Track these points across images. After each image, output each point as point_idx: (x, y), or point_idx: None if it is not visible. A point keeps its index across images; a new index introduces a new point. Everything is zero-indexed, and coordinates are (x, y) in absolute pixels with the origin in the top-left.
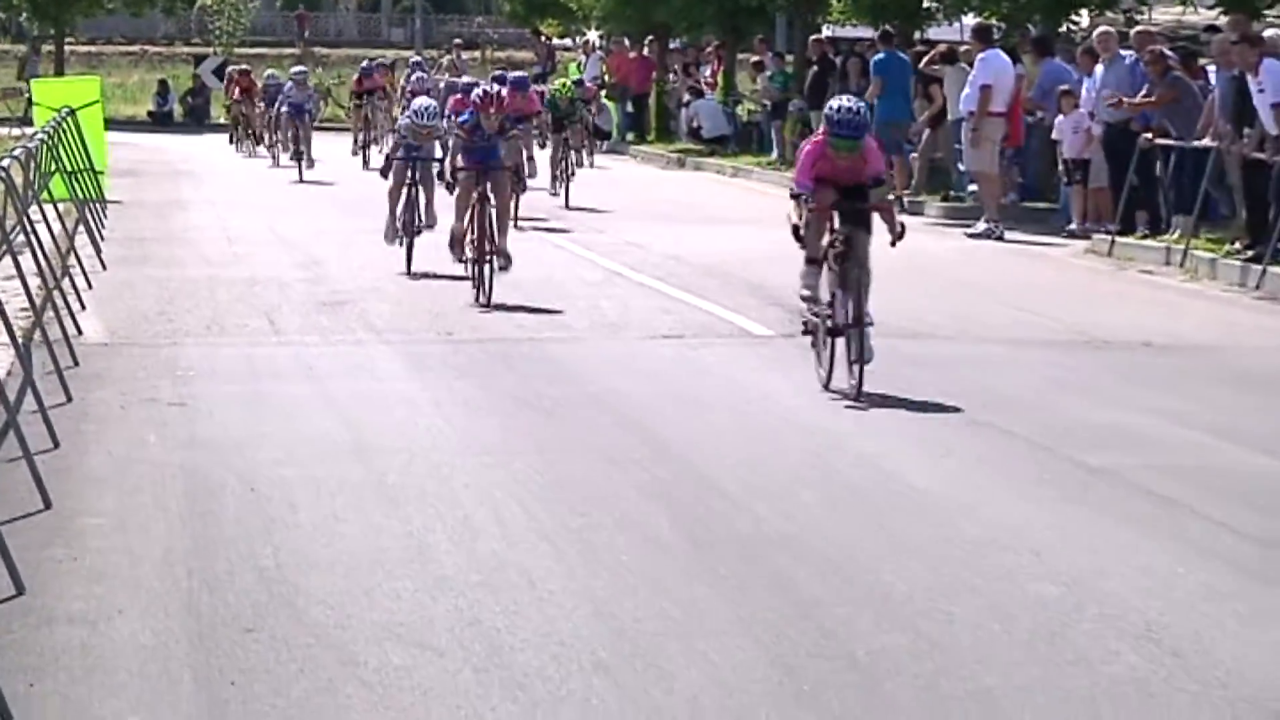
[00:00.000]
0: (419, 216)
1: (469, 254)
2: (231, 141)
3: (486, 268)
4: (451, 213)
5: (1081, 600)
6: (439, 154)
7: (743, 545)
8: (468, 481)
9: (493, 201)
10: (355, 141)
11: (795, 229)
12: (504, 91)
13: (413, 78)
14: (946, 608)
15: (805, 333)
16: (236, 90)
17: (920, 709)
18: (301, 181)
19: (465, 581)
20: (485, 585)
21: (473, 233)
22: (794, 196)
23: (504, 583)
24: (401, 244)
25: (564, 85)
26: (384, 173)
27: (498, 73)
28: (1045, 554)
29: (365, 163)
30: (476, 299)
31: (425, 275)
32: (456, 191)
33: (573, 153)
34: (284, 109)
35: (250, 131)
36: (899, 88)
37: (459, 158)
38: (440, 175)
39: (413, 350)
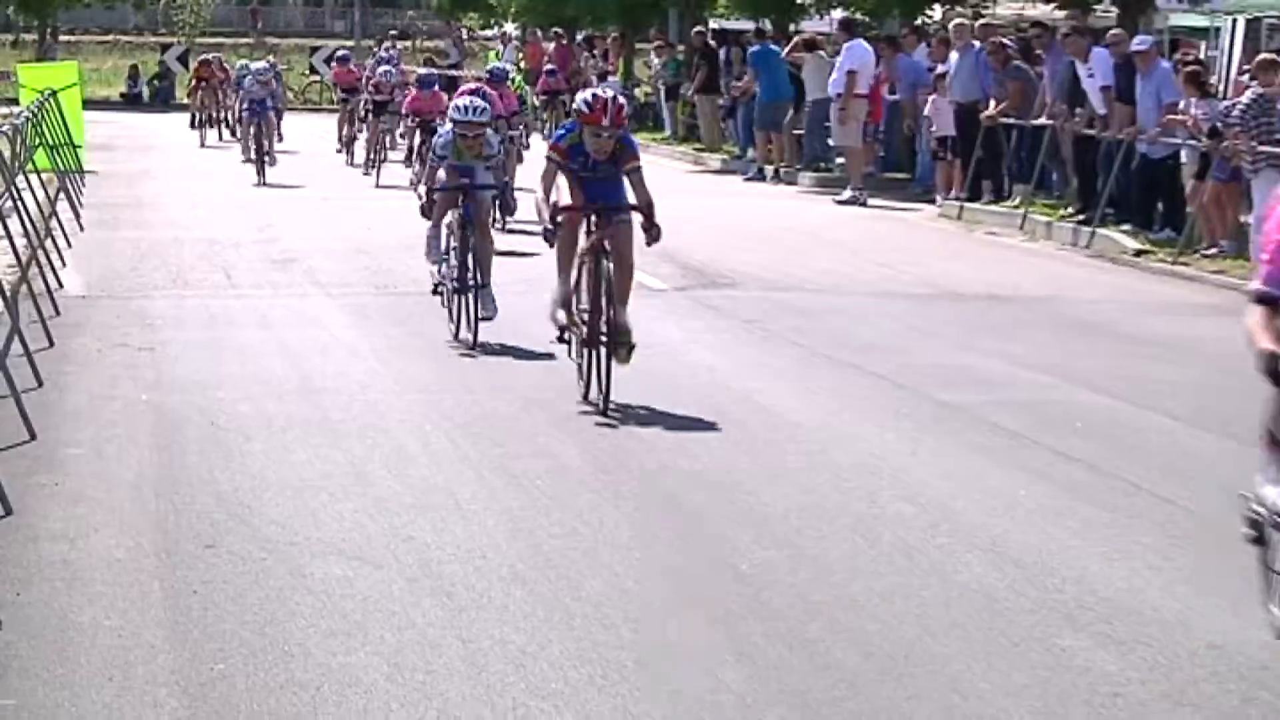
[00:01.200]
0: (475, 273)
1: (573, 333)
2: (193, 126)
3: (600, 353)
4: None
5: (935, 519)
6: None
7: (642, 472)
8: (402, 417)
9: (611, 254)
10: (339, 140)
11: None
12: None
13: (379, 70)
14: (818, 526)
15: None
16: (196, 79)
17: (794, 613)
18: (263, 184)
19: (399, 503)
20: (416, 506)
21: (580, 300)
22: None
23: (433, 504)
24: (462, 324)
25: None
26: (425, 211)
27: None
28: (904, 478)
29: (364, 166)
30: (585, 395)
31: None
32: (555, 241)
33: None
34: (244, 107)
35: (210, 117)
36: (777, 74)
37: (555, 193)
38: (508, 208)
39: (353, 302)
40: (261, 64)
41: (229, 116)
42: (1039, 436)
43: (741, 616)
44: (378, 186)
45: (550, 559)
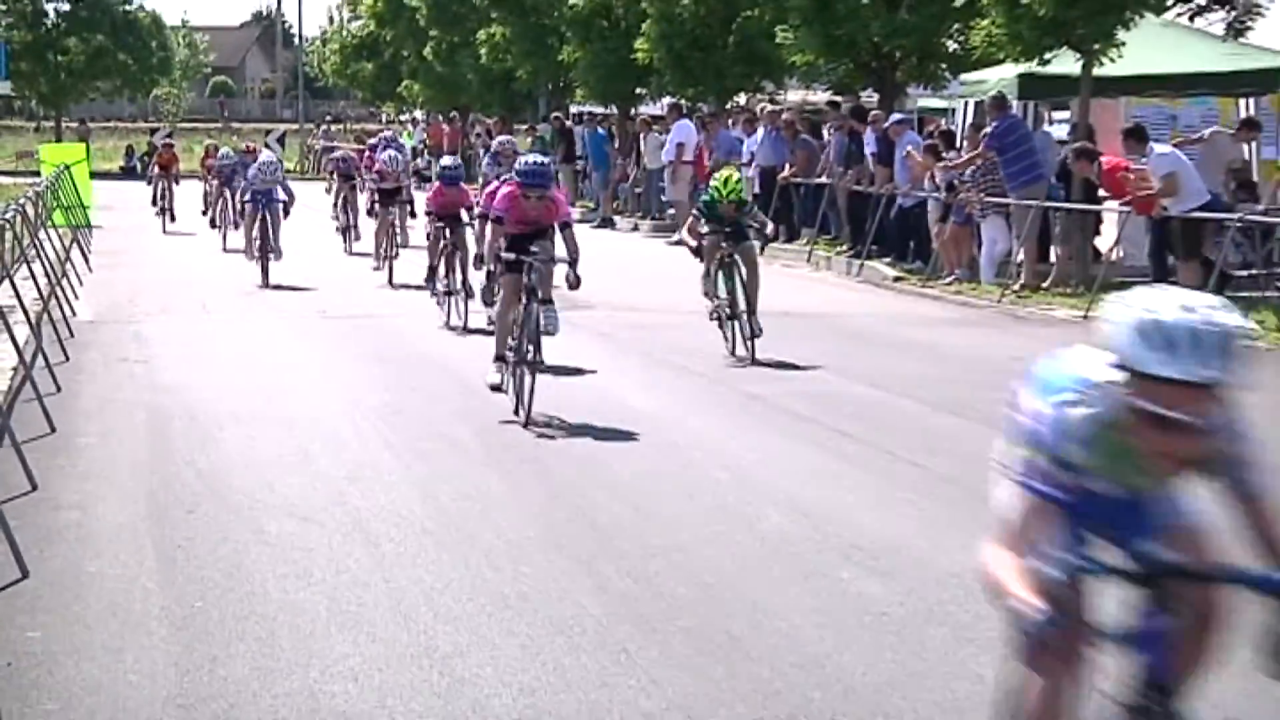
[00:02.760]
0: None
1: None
2: (154, 204)
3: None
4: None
5: (743, 481)
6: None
7: (519, 449)
8: (337, 410)
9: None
10: (379, 255)
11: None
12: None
13: (383, 155)
14: (657, 488)
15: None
16: (157, 166)
17: (638, 555)
18: (267, 286)
19: (335, 475)
20: (349, 478)
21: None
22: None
23: (362, 476)
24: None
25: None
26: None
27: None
28: (719, 451)
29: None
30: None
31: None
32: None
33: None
34: (246, 199)
35: (168, 205)
36: (600, 151)
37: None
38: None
39: (299, 325)
40: (268, 154)
41: (224, 208)
42: (821, 418)
43: (596, 557)
44: (392, 285)
45: (451, 517)
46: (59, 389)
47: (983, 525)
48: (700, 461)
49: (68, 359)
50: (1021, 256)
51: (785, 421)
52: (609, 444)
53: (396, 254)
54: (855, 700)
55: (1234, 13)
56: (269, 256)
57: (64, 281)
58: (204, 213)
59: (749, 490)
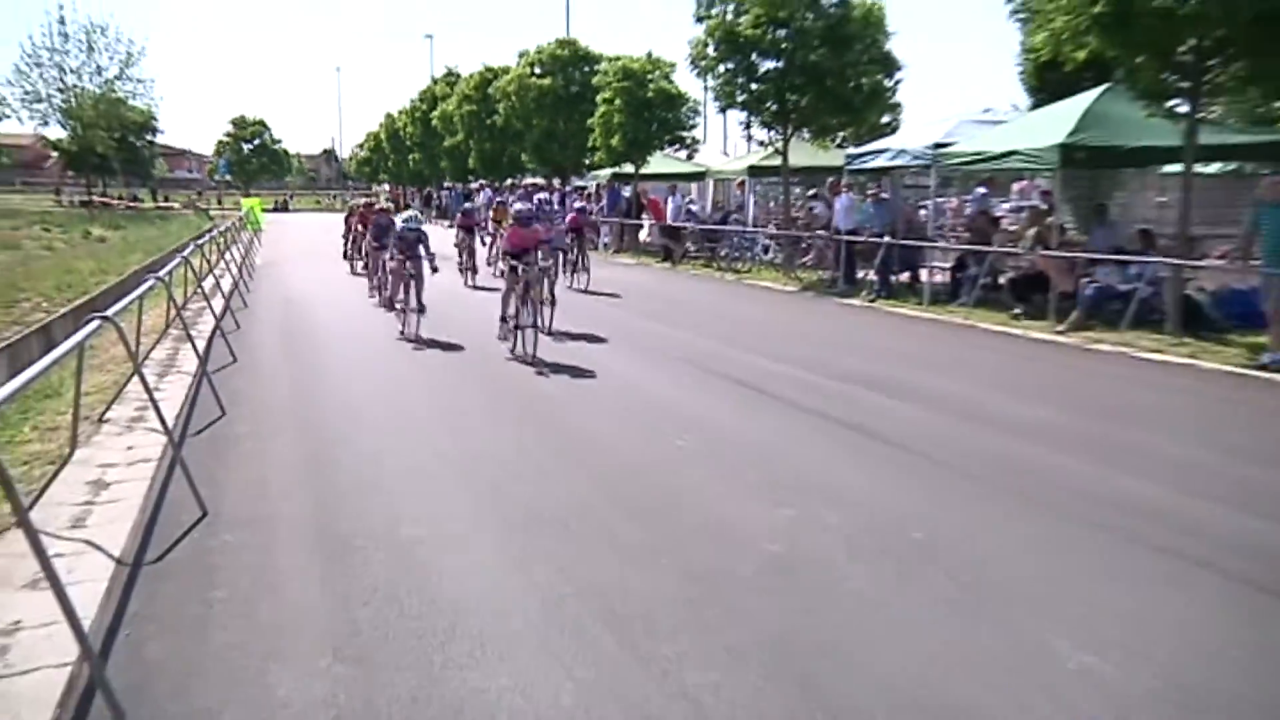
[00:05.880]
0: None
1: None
2: (348, 258)
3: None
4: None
5: (687, 424)
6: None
7: (519, 396)
8: (405, 364)
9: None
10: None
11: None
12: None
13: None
14: (623, 425)
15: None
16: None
17: (604, 465)
18: (416, 340)
19: (407, 409)
20: (417, 413)
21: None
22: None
23: (416, 411)
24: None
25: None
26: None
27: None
28: (678, 407)
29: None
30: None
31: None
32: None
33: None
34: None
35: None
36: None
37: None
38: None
39: (395, 351)
40: (411, 211)
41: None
42: (716, 369)
43: (521, 471)
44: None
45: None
46: (238, 327)
47: None
48: (662, 412)
49: (245, 305)
50: None
51: (719, 385)
52: (587, 394)
53: (422, 307)
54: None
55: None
56: (418, 311)
57: (246, 274)
58: (348, 257)
59: (691, 430)
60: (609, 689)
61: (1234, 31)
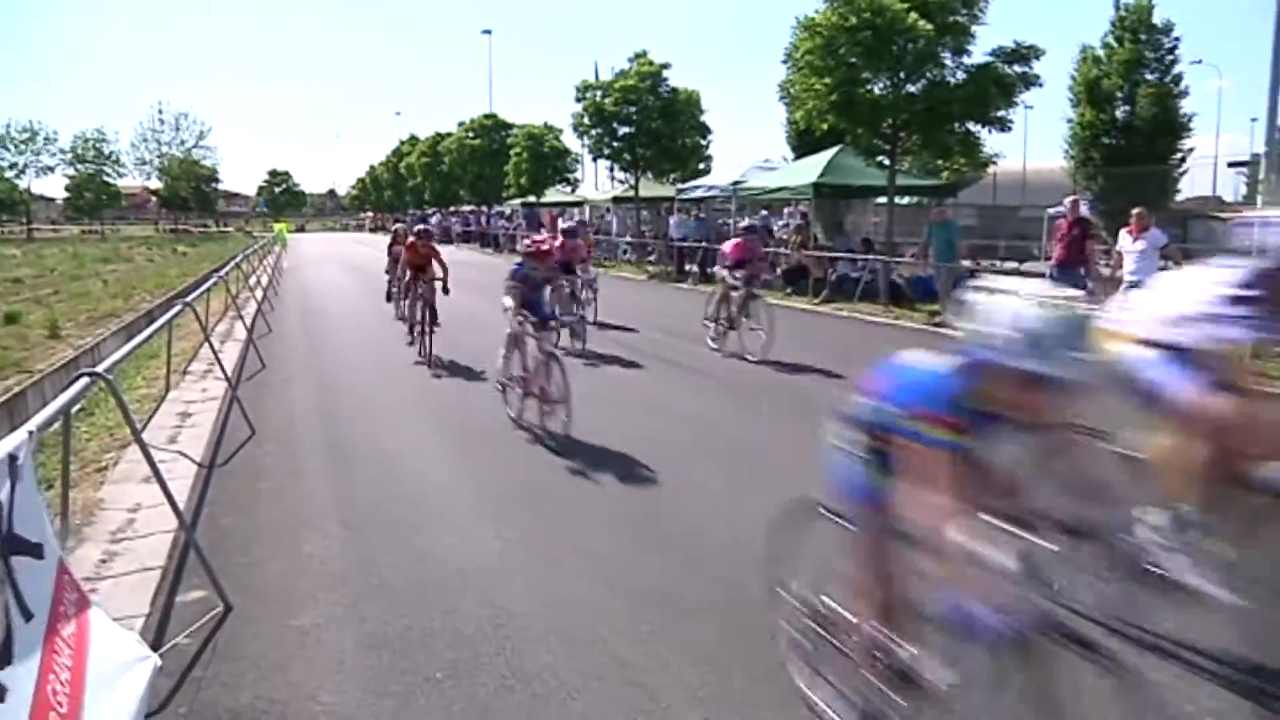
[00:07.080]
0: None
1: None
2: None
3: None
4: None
5: (656, 404)
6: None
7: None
8: (439, 384)
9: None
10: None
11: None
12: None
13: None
14: (600, 401)
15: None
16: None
17: (586, 430)
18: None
19: (437, 419)
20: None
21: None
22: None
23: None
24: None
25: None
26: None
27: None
28: (646, 389)
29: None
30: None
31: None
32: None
33: None
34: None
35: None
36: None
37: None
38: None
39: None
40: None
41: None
42: (688, 366)
43: (436, 430)
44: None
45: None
46: (269, 330)
47: None
48: (634, 392)
49: (272, 309)
50: None
51: (676, 374)
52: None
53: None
54: None
55: None
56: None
57: (272, 282)
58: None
59: (657, 409)
60: (528, 547)
61: (913, 116)
